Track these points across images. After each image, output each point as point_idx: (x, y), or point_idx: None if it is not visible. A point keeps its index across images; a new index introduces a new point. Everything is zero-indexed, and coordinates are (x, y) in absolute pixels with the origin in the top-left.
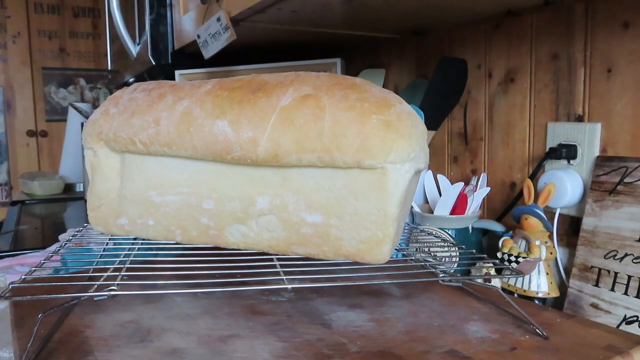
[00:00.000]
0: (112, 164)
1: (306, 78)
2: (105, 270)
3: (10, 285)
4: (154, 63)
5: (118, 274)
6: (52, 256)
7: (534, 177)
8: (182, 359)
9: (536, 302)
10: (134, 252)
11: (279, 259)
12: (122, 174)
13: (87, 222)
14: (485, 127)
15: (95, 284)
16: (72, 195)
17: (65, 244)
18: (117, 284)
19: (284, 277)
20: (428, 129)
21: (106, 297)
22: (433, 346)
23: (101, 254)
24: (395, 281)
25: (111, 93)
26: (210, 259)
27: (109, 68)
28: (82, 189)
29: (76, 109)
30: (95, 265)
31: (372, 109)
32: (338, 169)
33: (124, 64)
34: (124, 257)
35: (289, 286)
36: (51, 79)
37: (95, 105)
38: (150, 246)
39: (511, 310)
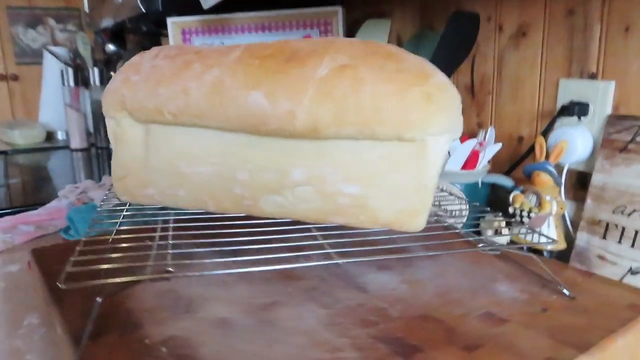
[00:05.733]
0: (136, 133)
1: (340, 46)
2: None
3: (66, 272)
4: (144, 11)
5: (165, 251)
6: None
7: (546, 134)
8: (233, 330)
9: (545, 254)
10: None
11: (317, 229)
12: (147, 143)
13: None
14: (493, 81)
15: (148, 265)
16: (54, 144)
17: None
18: (172, 264)
19: (331, 251)
20: None
21: (165, 279)
22: (469, 308)
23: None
24: (447, 252)
25: (89, 38)
26: (251, 231)
27: (85, 9)
28: (64, 137)
29: (52, 53)
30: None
31: (411, 81)
32: (376, 141)
33: (102, 6)
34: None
35: (340, 261)
36: (18, 19)
37: (72, 49)
38: (181, 211)
39: (533, 268)
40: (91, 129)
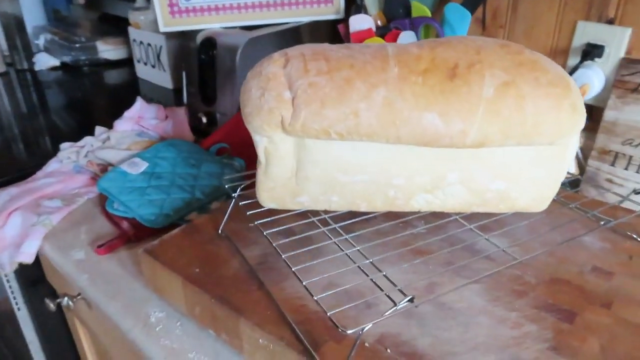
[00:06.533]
0: (288, 147)
1: (490, 57)
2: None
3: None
4: None
5: (379, 273)
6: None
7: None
8: (424, 319)
9: None
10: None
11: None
12: (298, 156)
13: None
14: (507, 15)
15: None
16: None
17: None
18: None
19: (503, 248)
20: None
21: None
22: (579, 265)
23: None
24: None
25: None
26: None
27: None
28: None
29: None
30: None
31: (562, 94)
32: (527, 146)
33: None
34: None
35: (519, 259)
36: None
37: None
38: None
39: (588, 209)
40: (4, 48)
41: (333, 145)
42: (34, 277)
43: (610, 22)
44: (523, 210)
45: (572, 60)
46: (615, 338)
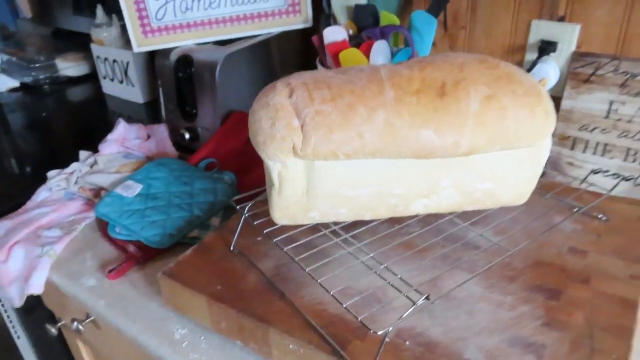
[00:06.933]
0: (299, 169)
1: (472, 74)
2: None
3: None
4: None
5: (395, 275)
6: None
7: (528, 72)
8: (434, 312)
9: None
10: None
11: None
12: (308, 176)
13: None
14: (467, 17)
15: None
16: None
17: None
18: (417, 288)
19: (496, 242)
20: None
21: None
22: (558, 247)
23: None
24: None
25: None
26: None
27: None
28: None
29: None
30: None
31: (535, 102)
32: (509, 150)
33: None
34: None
35: (511, 250)
36: None
37: None
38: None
39: (561, 197)
40: None
41: (340, 164)
42: (30, 304)
43: (561, 19)
44: (507, 204)
45: (529, 56)
46: (596, 309)
